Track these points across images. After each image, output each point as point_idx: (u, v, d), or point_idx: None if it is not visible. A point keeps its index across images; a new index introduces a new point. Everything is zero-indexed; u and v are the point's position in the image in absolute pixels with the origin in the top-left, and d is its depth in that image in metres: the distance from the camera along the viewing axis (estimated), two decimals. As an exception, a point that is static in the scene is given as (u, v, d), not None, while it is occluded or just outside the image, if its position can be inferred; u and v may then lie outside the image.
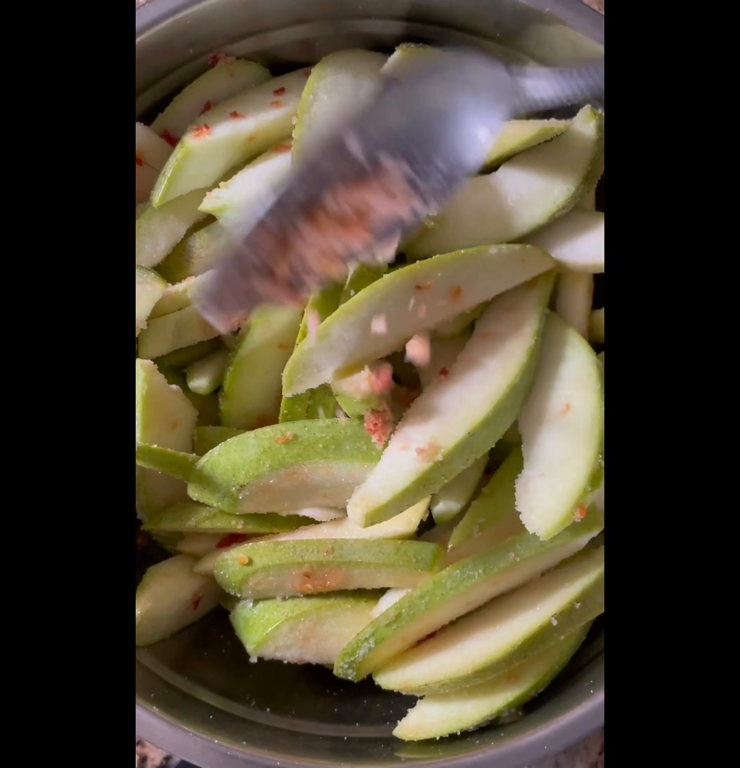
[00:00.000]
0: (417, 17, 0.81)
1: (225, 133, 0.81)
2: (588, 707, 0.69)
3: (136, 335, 0.80)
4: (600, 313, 0.83)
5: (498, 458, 0.78)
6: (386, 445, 0.74)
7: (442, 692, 0.74)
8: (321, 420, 0.77)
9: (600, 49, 0.75)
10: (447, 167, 0.67)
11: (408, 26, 0.82)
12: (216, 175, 0.83)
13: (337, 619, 0.78)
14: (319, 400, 0.79)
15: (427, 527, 0.79)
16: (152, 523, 0.80)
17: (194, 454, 0.77)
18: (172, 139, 0.84)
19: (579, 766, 0.89)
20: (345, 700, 0.81)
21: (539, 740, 0.68)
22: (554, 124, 0.79)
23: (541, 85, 0.66)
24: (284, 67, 0.87)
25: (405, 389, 0.82)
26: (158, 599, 0.78)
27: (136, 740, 0.87)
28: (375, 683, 0.77)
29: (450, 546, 0.74)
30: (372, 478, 0.72)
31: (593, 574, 0.72)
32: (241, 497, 0.75)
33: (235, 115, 0.82)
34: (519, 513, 0.72)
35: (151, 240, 0.82)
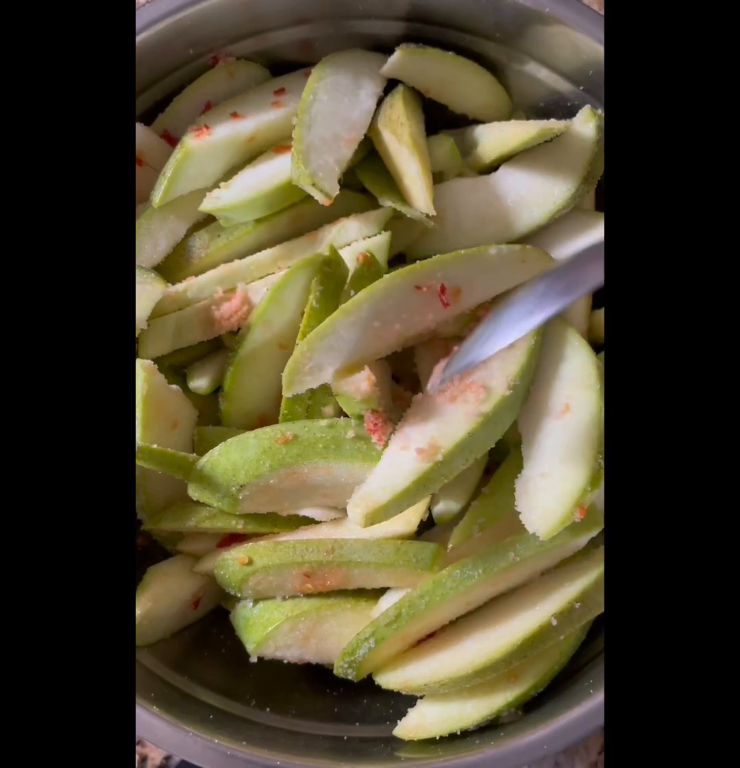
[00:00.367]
0: (417, 17, 0.81)
1: (225, 133, 0.81)
2: (588, 707, 0.69)
3: (136, 335, 0.80)
4: (600, 313, 0.83)
5: (498, 458, 0.79)
6: (386, 445, 0.74)
7: (442, 692, 0.74)
8: (321, 420, 0.77)
9: (600, 49, 0.75)
10: None
11: (408, 26, 0.82)
12: (216, 175, 0.83)
13: (336, 618, 0.78)
14: (319, 400, 0.79)
15: (427, 527, 0.79)
16: (152, 523, 0.80)
17: (194, 454, 0.77)
18: (172, 140, 0.84)
19: (579, 766, 0.89)
20: (345, 700, 0.81)
21: (539, 740, 0.68)
22: (554, 124, 0.79)
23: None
24: (284, 67, 0.87)
25: (405, 389, 0.82)
26: (158, 599, 0.78)
27: (136, 740, 0.88)
28: (375, 683, 0.77)
29: (450, 546, 0.74)
30: (373, 478, 0.72)
31: (593, 574, 0.72)
32: (241, 497, 0.75)
33: (235, 115, 0.82)
34: (519, 513, 0.72)
35: (151, 240, 0.82)
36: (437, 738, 0.73)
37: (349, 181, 0.82)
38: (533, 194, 0.80)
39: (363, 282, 0.73)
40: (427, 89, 0.85)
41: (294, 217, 0.83)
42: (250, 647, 0.78)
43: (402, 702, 0.78)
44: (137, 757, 0.89)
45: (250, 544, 0.77)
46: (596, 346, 0.78)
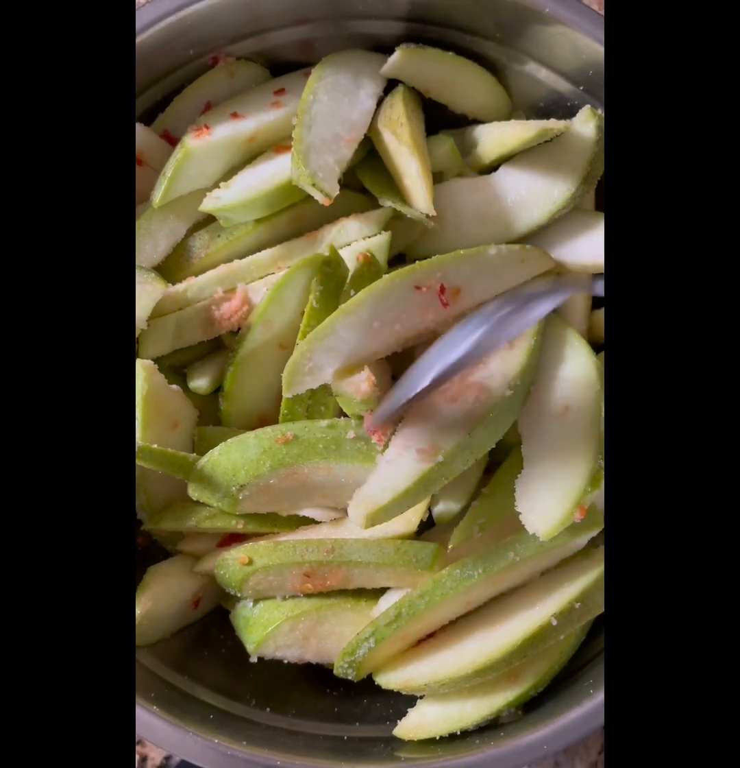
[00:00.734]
0: (417, 17, 0.81)
1: (225, 133, 0.81)
2: (588, 707, 0.69)
3: (136, 335, 0.80)
4: (600, 313, 0.83)
5: (498, 458, 0.79)
6: (386, 445, 0.74)
7: (442, 692, 0.74)
8: (321, 420, 0.77)
9: (600, 49, 0.75)
10: None
11: (408, 26, 0.82)
12: (216, 175, 0.83)
13: (336, 618, 0.78)
14: (319, 400, 0.79)
15: (427, 527, 0.79)
16: (152, 523, 0.80)
17: (194, 454, 0.77)
18: (172, 140, 0.84)
19: (579, 766, 0.89)
20: (345, 700, 0.81)
21: (539, 740, 0.68)
22: (554, 124, 0.79)
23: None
24: (284, 67, 0.87)
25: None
26: (158, 599, 0.78)
27: (136, 740, 0.88)
28: (375, 683, 0.77)
29: (450, 546, 0.74)
30: (373, 479, 0.72)
31: (593, 574, 0.72)
32: (241, 497, 0.75)
33: (235, 115, 0.82)
34: (519, 513, 0.72)
35: (151, 240, 0.82)
36: (437, 738, 0.73)
37: (349, 181, 0.82)
38: (533, 194, 0.80)
39: (363, 282, 0.73)
40: (427, 89, 0.85)
41: (294, 217, 0.83)
42: (250, 647, 0.78)
43: (402, 702, 0.78)
44: (137, 757, 0.89)
45: (250, 544, 0.77)
46: (596, 346, 0.78)
